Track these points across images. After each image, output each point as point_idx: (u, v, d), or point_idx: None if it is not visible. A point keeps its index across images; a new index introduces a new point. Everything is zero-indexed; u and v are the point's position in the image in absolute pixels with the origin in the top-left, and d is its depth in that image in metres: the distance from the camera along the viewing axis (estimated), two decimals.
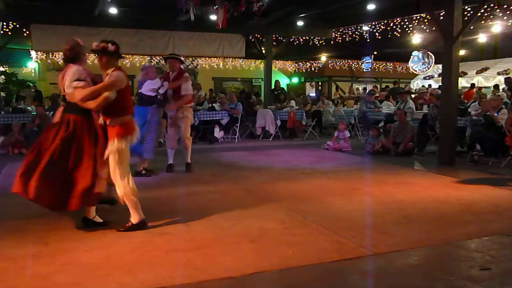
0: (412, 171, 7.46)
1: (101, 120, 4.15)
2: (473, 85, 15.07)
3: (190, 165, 7.09)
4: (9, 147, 8.83)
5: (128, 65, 15.66)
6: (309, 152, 9.53)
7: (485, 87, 15.18)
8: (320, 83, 22.34)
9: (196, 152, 9.32)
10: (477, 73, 16.33)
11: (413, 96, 13.45)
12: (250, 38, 14.40)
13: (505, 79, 14.06)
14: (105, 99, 3.94)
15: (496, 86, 14.42)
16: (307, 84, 22.70)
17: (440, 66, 12.08)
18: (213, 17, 8.58)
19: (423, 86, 16.36)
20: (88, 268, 3.25)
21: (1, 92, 13.96)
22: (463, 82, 15.53)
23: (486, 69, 16.21)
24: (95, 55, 4.27)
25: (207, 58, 17.52)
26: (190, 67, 19.13)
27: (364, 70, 20.17)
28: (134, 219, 4.11)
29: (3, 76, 17.07)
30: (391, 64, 21.20)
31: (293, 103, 13.50)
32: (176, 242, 3.82)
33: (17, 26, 11.81)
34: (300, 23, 13.68)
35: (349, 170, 7.35)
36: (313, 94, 18.60)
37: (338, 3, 11.15)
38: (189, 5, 7.32)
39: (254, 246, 3.73)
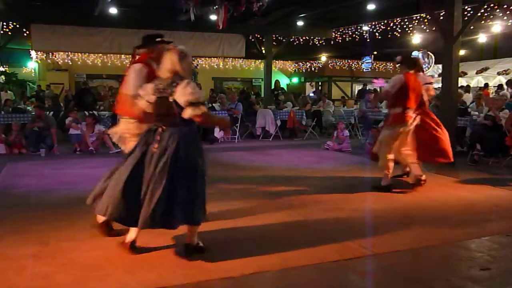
0: None
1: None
2: (486, 84, 15.00)
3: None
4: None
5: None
6: (309, 152, 9.52)
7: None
8: (320, 83, 22.33)
9: None
10: (477, 73, 16.32)
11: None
12: (250, 38, 14.39)
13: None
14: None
15: (500, 86, 14.38)
16: (307, 84, 22.69)
17: (440, 66, 12.08)
18: (213, 17, 8.58)
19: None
20: (88, 268, 3.25)
21: (1, 92, 13.96)
22: (463, 82, 15.51)
23: (486, 69, 16.20)
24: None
25: (207, 58, 17.52)
26: None
27: (364, 70, 20.15)
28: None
29: (3, 76, 17.08)
30: (391, 64, 21.18)
31: (289, 104, 13.50)
32: (176, 242, 3.82)
33: (17, 26, 11.81)
34: (300, 23, 13.67)
35: (349, 170, 7.35)
36: (312, 95, 18.57)
37: (338, 3, 11.15)
38: (189, 5, 7.33)
39: (254, 246, 3.73)
